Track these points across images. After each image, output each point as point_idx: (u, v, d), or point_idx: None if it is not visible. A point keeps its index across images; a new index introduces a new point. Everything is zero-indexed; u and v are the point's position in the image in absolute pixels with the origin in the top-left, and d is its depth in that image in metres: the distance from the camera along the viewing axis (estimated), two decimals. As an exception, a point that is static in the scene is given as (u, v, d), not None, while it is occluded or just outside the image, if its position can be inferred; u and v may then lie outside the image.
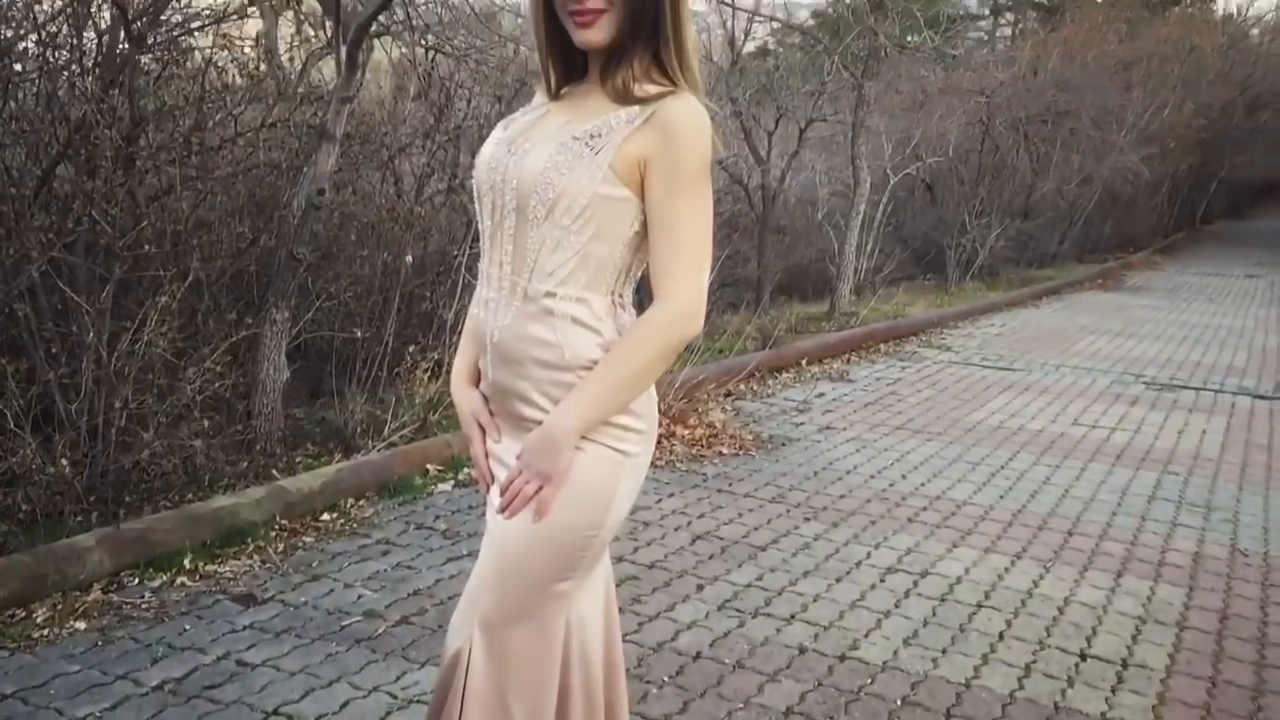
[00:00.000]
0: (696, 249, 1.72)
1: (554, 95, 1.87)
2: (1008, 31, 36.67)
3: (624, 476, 1.82)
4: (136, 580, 3.55)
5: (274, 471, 4.44)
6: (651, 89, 1.73)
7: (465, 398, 1.97)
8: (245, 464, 4.44)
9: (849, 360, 8.41)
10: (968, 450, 5.90)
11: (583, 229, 1.72)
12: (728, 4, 9.80)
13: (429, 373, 5.30)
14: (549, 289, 1.75)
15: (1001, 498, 5.08)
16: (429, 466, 4.81)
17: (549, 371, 1.77)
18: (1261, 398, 7.96)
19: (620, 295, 1.81)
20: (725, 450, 5.55)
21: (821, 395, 7.07)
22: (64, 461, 3.63)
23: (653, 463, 4.79)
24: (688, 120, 1.70)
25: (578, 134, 1.73)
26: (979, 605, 3.77)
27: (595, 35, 1.72)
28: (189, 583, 3.58)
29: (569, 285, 1.75)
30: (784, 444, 5.79)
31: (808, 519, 4.61)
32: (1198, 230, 29.57)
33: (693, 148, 1.69)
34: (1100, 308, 13.22)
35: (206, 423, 4.16)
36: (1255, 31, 30.42)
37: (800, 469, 5.35)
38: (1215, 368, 9.18)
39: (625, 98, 1.73)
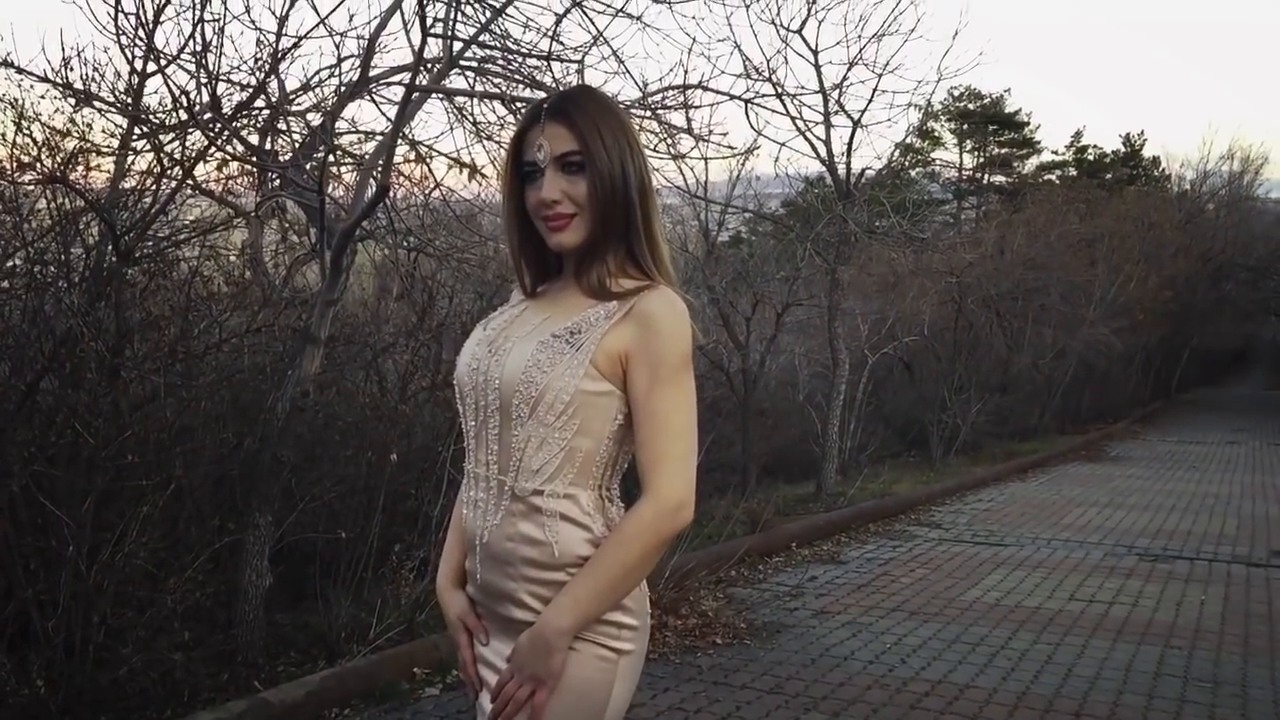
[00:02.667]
0: (683, 439, 1.73)
1: (530, 294, 1.91)
2: (972, 214, 37.96)
3: (620, 675, 1.77)
4: (110, 806, 3.39)
5: (256, 683, 4.30)
6: (628, 283, 1.77)
7: (451, 600, 1.93)
8: (226, 676, 4.30)
9: (839, 541, 8.32)
10: (966, 630, 5.79)
11: (567, 425, 1.73)
12: (700, 198, 10.12)
13: (415, 571, 5.20)
14: (536, 487, 1.75)
15: (1004, 679, 4.95)
16: (416, 670, 4.67)
17: (539, 571, 1.75)
18: (1256, 565, 7.89)
19: (608, 489, 1.81)
20: (719, 640, 5.43)
21: (814, 579, 6.97)
22: (39, 682, 3.52)
23: (646, 656, 4.65)
24: (667, 313, 1.73)
25: (557, 331, 1.75)
26: (991, 797, 3.64)
27: (568, 238, 1.77)
28: (166, 806, 3.42)
29: (556, 482, 1.75)
30: (778, 631, 5.67)
31: (808, 709, 4.48)
32: (1174, 399, 29.90)
33: (674, 340, 1.72)
34: (1086, 479, 13.23)
35: (187, 634, 4.05)
36: (1211, 206, 31.56)
37: (796, 657, 5.22)
38: (1206, 536, 9.13)
39: (602, 294, 1.76)
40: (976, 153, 43.78)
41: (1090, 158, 43.38)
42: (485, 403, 1.80)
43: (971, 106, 41.08)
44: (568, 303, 1.81)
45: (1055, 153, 44.54)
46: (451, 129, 6.40)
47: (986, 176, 43.84)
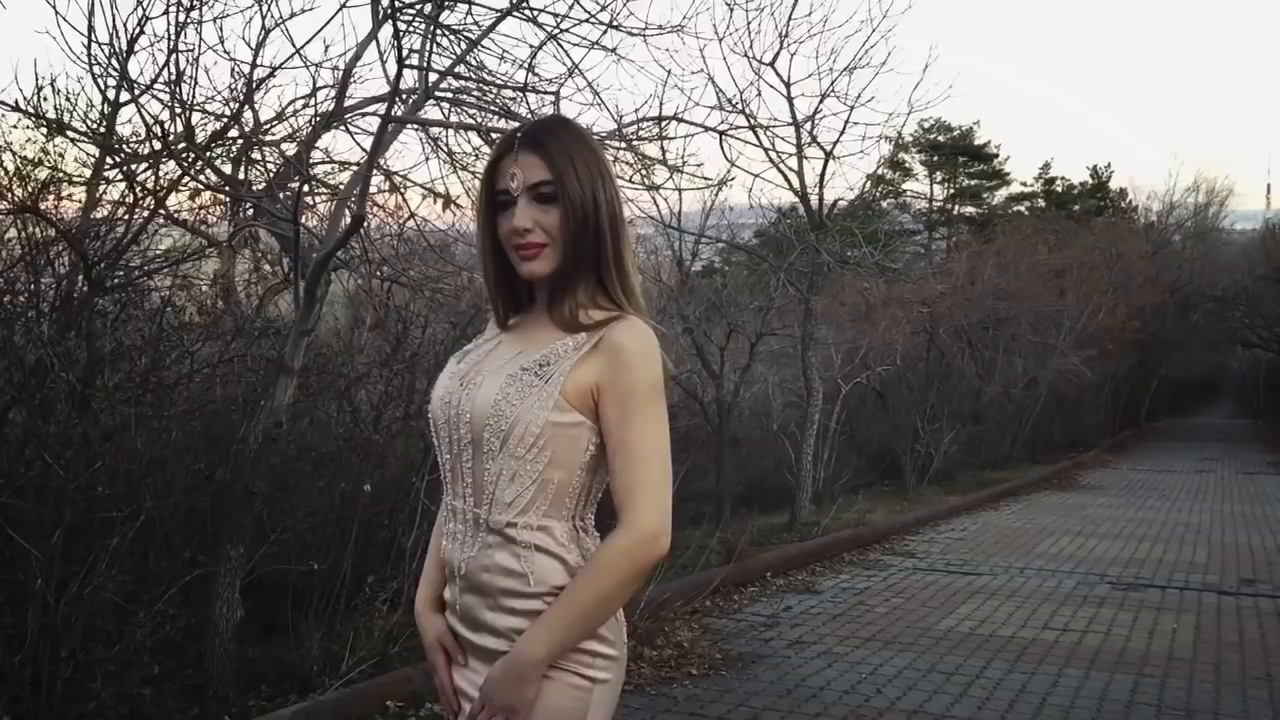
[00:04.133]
0: (657, 468, 1.73)
1: (504, 326, 1.91)
2: (943, 244, 38.26)
3: (595, 705, 1.76)
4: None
5: (226, 717, 4.24)
6: (598, 315, 1.77)
7: (430, 622, 1.93)
8: (196, 710, 4.24)
9: (814, 571, 8.31)
10: (941, 660, 5.79)
11: (538, 457, 1.74)
12: (674, 228, 10.15)
13: (388, 603, 5.16)
14: (510, 519, 1.76)
15: (979, 709, 4.95)
16: (389, 703, 4.61)
17: (516, 600, 1.75)
18: (1227, 593, 7.95)
19: (582, 520, 1.81)
20: (695, 671, 5.40)
21: (789, 609, 6.96)
22: (6, 717, 3.45)
23: (622, 687, 4.61)
24: (636, 344, 1.74)
25: (526, 364, 1.77)
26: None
27: (539, 267, 1.78)
28: (133, 844, 3.36)
29: (529, 514, 1.75)
30: (754, 662, 5.65)
31: (784, 742, 4.46)
32: (1144, 428, 30.15)
33: (643, 370, 1.73)
34: (1058, 508, 13.29)
35: (157, 668, 3.98)
36: (1177, 238, 31.97)
37: (772, 687, 5.20)
38: (1178, 565, 9.19)
39: (573, 325, 1.77)
40: (947, 184, 44.15)
41: (1058, 189, 43.83)
42: (458, 436, 1.80)
43: (941, 138, 41.45)
44: (539, 335, 1.82)
45: (1024, 184, 44.99)
46: (427, 159, 6.41)
47: (957, 207, 44.18)
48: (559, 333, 1.78)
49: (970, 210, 43.73)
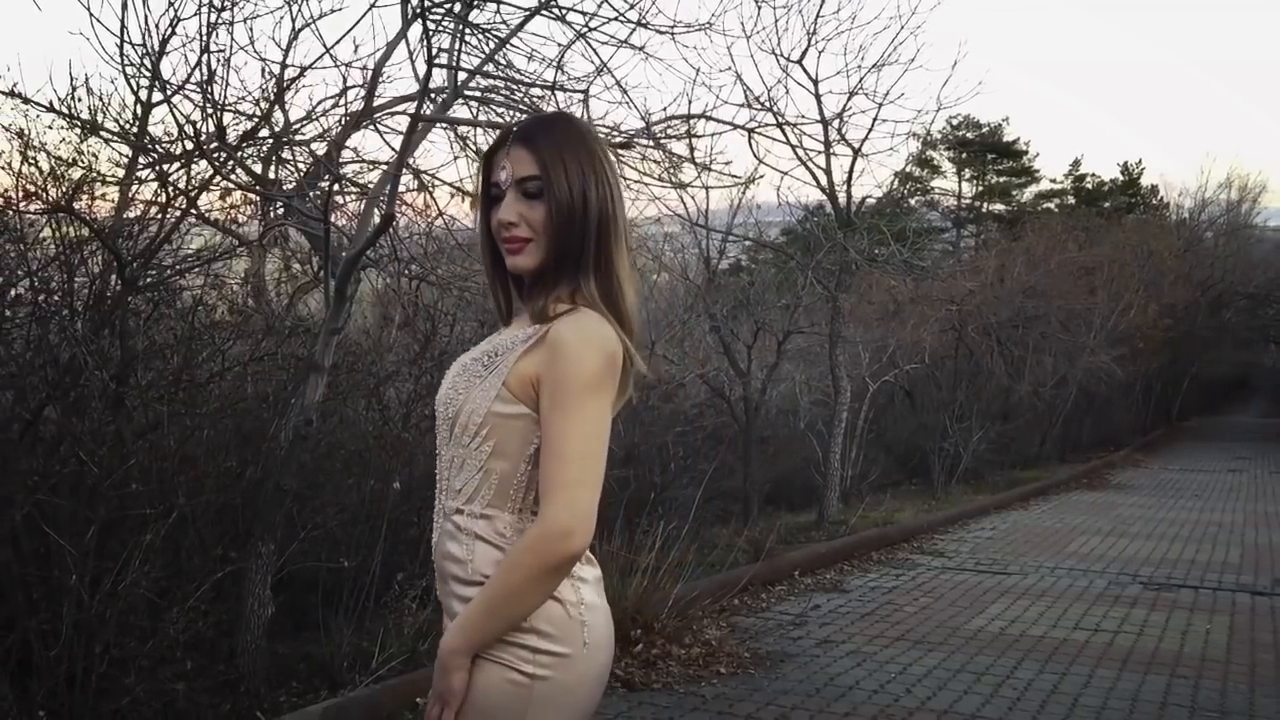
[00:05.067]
0: (576, 465, 1.70)
1: (505, 319, 1.95)
2: (972, 242, 38.04)
3: (537, 702, 1.74)
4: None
5: (258, 713, 4.27)
6: (560, 309, 1.78)
7: None
8: (228, 706, 4.27)
9: (842, 570, 8.29)
10: (971, 660, 5.76)
11: (481, 446, 1.77)
12: (702, 226, 10.15)
13: (417, 600, 5.18)
14: (458, 506, 1.81)
15: (1010, 709, 4.92)
16: (419, 700, 4.63)
17: (461, 587, 1.80)
18: (1261, 594, 7.86)
19: (531, 512, 1.80)
20: (723, 669, 5.39)
21: (817, 607, 6.94)
22: (42, 712, 3.49)
23: (649, 686, 4.63)
24: (573, 337, 1.72)
25: (477, 355, 1.82)
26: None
27: (523, 261, 1.81)
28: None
29: (474, 503, 1.79)
30: (783, 660, 5.64)
31: (813, 741, 4.45)
32: (1175, 427, 29.85)
33: (575, 364, 1.71)
34: (1088, 507, 13.19)
35: (189, 663, 4.02)
36: (1210, 234, 31.65)
37: (801, 686, 5.19)
38: (1210, 565, 9.10)
39: (542, 320, 1.79)
40: (975, 181, 43.94)
41: (1089, 186, 43.54)
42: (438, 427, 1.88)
43: (970, 135, 41.25)
44: (512, 329, 1.85)
45: (1054, 181, 44.76)
46: (455, 158, 6.43)
47: (985, 205, 43.97)
48: (528, 326, 1.81)
49: (999, 207, 43.51)
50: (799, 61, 8.46)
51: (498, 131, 2.25)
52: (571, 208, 1.77)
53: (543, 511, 1.70)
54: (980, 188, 43.94)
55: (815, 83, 8.66)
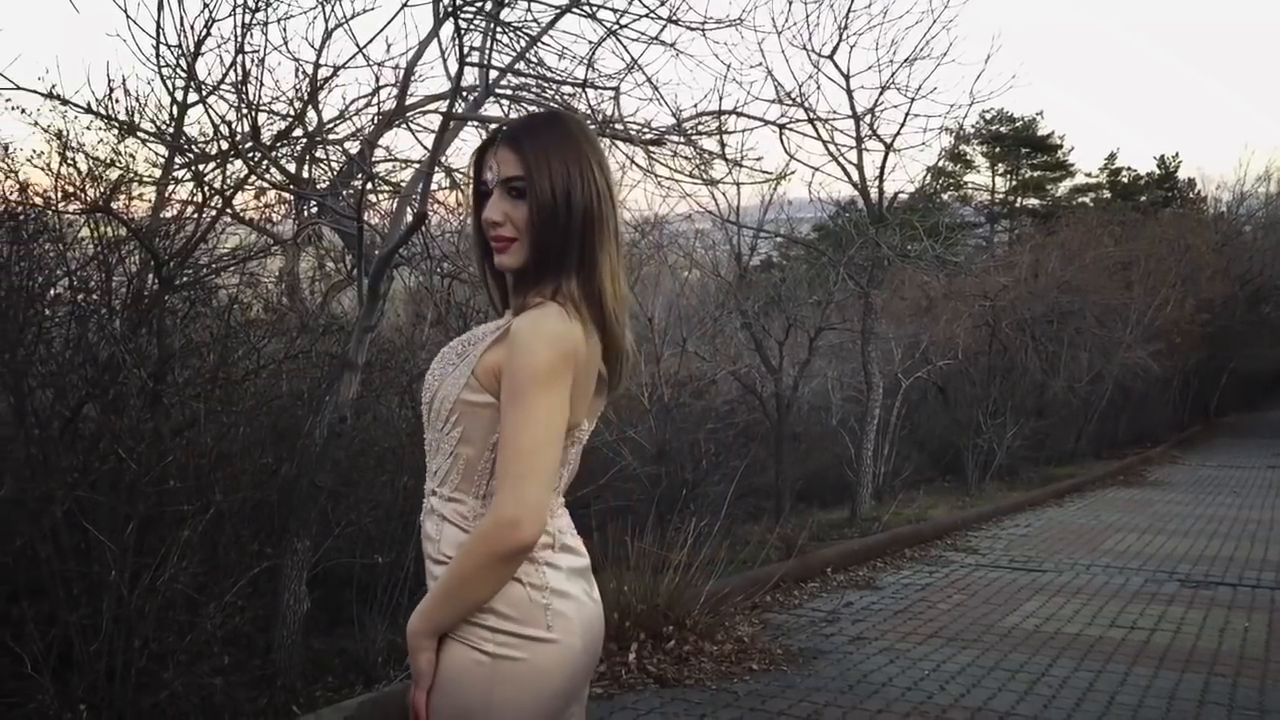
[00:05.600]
0: (523, 458, 1.72)
1: (501, 313, 1.98)
2: (1005, 237, 37.75)
3: (499, 680, 1.77)
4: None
5: (294, 707, 4.31)
6: (533, 303, 1.81)
7: None
8: (265, 700, 4.32)
9: (875, 567, 8.26)
10: (1005, 657, 5.73)
11: (451, 432, 1.83)
12: (733, 222, 10.13)
13: (450, 597, 5.20)
14: (433, 489, 1.87)
15: (1045, 707, 4.89)
16: (452, 695, 4.66)
17: (432, 565, 1.86)
18: (1301, 591, 7.77)
19: (492, 499, 1.83)
20: (755, 666, 5.39)
21: (849, 604, 6.92)
22: (82, 707, 3.54)
23: (681, 682, 4.63)
24: (527, 331, 1.74)
25: (453, 344, 1.89)
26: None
27: (508, 260, 1.85)
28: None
29: (445, 486, 1.85)
30: (815, 657, 5.63)
31: (846, 738, 4.44)
32: (1213, 423, 29.50)
33: (527, 356, 1.73)
34: (1124, 504, 13.08)
35: (227, 658, 4.06)
36: (1248, 228, 31.24)
37: (834, 683, 5.18)
38: (1249, 562, 9.00)
39: (518, 315, 1.82)
40: (1009, 176, 43.60)
41: (1124, 180, 43.09)
42: None
43: (1004, 129, 40.92)
44: (493, 321, 1.92)
45: (1089, 175, 44.31)
46: (486, 156, 6.44)
47: (1019, 199, 43.62)
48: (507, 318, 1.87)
49: (1033, 202, 43.16)
50: (830, 57, 8.45)
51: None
52: (554, 208, 1.79)
53: (494, 501, 1.74)
54: (1014, 182, 43.59)
55: (847, 78, 8.65)
